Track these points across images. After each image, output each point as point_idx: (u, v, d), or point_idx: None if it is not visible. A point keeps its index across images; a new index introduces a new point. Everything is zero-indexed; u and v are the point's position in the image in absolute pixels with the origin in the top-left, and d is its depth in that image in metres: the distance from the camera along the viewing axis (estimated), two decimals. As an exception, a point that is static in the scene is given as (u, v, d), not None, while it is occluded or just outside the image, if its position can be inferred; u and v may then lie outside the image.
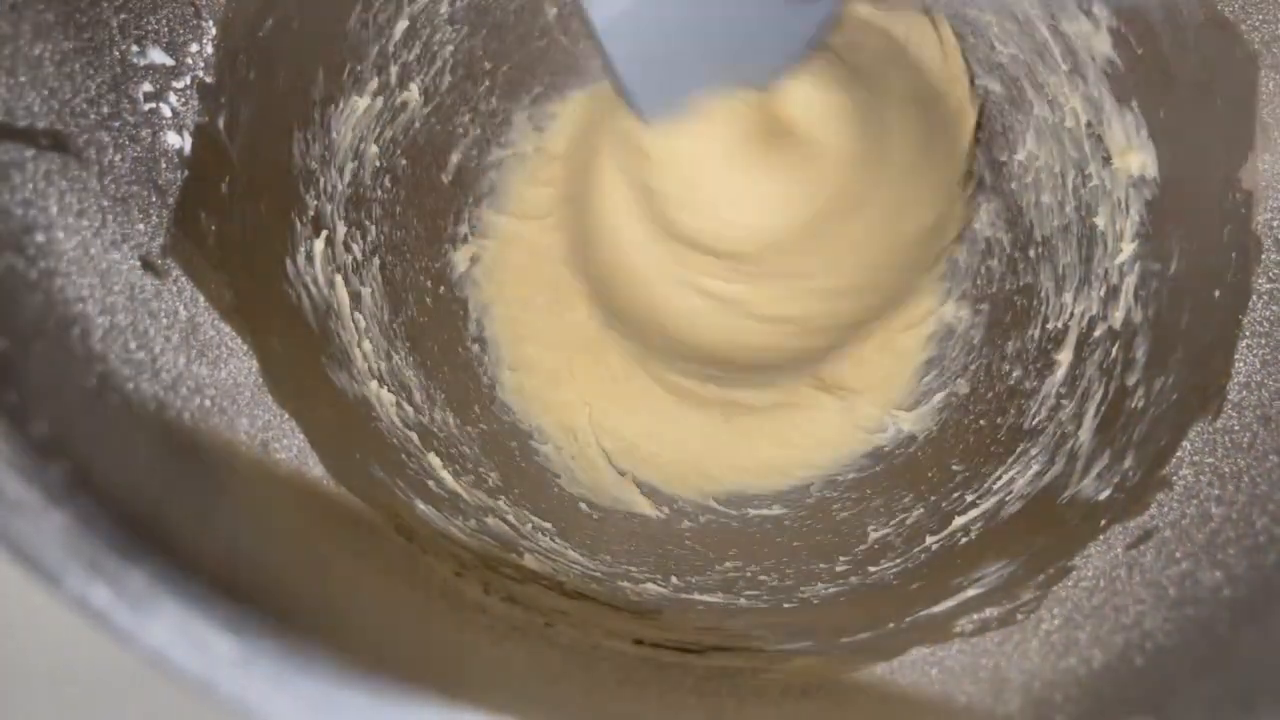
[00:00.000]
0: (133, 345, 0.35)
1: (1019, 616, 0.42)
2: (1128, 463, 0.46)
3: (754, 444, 0.61)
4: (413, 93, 0.56)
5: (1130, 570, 0.41)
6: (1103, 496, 0.46)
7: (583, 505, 0.58)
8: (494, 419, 0.59)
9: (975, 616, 0.43)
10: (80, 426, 0.28)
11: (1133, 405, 0.49)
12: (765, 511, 0.59)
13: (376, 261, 0.56)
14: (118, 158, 0.39)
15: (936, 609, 0.45)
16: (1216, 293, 0.47)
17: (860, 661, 0.42)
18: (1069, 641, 0.38)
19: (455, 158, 0.60)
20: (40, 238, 0.33)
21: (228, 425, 0.38)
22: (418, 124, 0.58)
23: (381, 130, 0.55)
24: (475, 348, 0.60)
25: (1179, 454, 0.44)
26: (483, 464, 0.55)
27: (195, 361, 0.38)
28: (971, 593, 0.46)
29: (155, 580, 0.21)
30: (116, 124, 0.39)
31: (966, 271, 0.62)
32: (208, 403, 0.38)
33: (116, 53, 0.39)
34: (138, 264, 0.38)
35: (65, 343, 0.31)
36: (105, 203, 0.37)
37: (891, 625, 0.45)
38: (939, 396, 0.60)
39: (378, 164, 0.56)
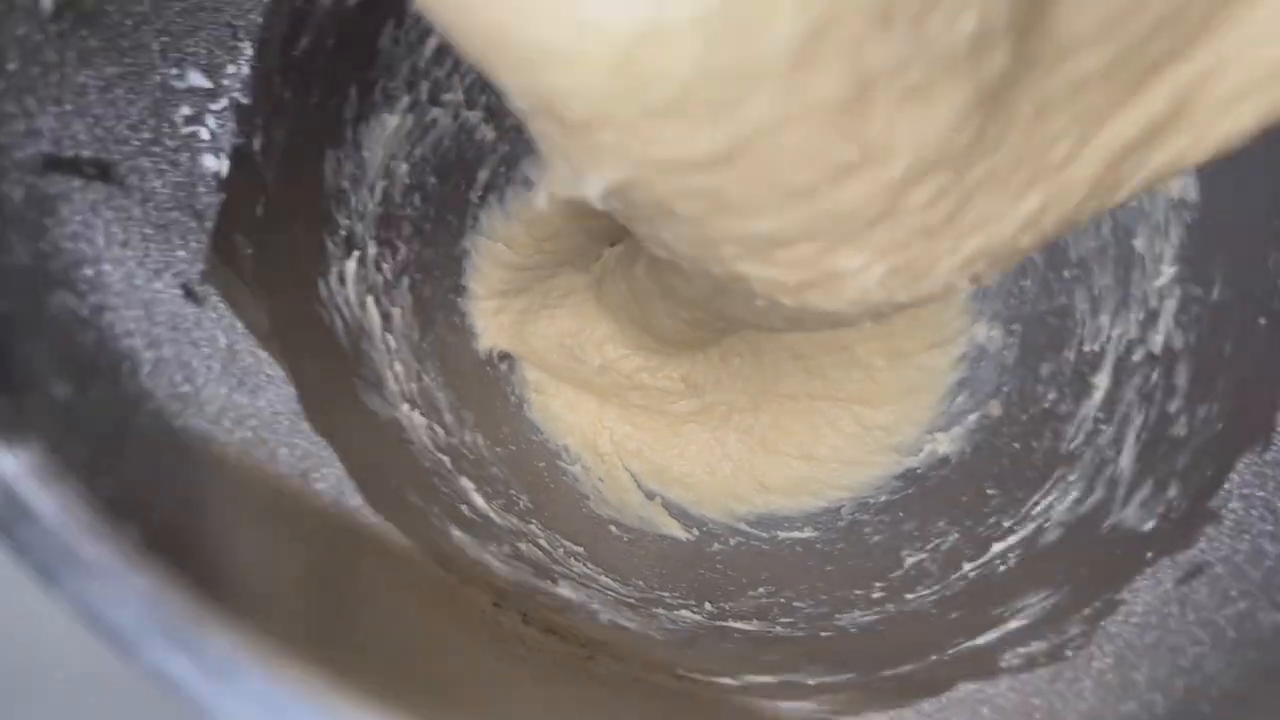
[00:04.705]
0: (178, 378, 0.34)
1: (1068, 653, 0.41)
2: (1172, 492, 0.46)
3: (783, 463, 0.61)
4: (443, 109, 0.56)
5: (1183, 607, 0.40)
6: (1147, 527, 0.46)
7: (612, 527, 0.57)
8: (522, 439, 0.59)
9: (1021, 650, 0.43)
10: (144, 477, 0.27)
11: (1175, 433, 0.48)
12: (796, 534, 0.58)
13: (406, 280, 0.55)
14: (158, 184, 0.38)
15: (980, 641, 0.45)
16: (1262, 320, 0.46)
17: (906, 697, 0.42)
18: (1125, 683, 0.37)
19: (484, 174, 0.59)
20: (89, 271, 0.32)
21: (269, 456, 0.38)
22: (447, 141, 0.57)
23: (412, 148, 0.55)
24: (503, 366, 0.60)
25: (1227, 486, 0.43)
26: (513, 486, 0.55)
27: (236, 391, 0.38)
28: (1014, 624, 0.45)
29: (235, 649, 0.20)
30: (157, 149, 0.38)
31: (998, 291, 0.61)
32: (250, 434, 0.37)
33: (157, 77, 0.38)
34: (179, 292, 0.37)
35: (117, 382, 0.30)
36: (148, 230, 0.36)
37: (934, 658, 0.44)
38: (971, 418, 0.60)
39: (408, 181, 0.55)
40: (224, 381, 0.37)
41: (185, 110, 0.40)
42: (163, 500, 0.26)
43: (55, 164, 0.32)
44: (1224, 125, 0.32)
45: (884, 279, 0.32)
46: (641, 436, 0.60)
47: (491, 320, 0.59)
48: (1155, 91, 0.30)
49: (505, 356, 0.60)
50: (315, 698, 0.22)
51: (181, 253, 0.38)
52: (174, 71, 0.39)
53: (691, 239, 0.31)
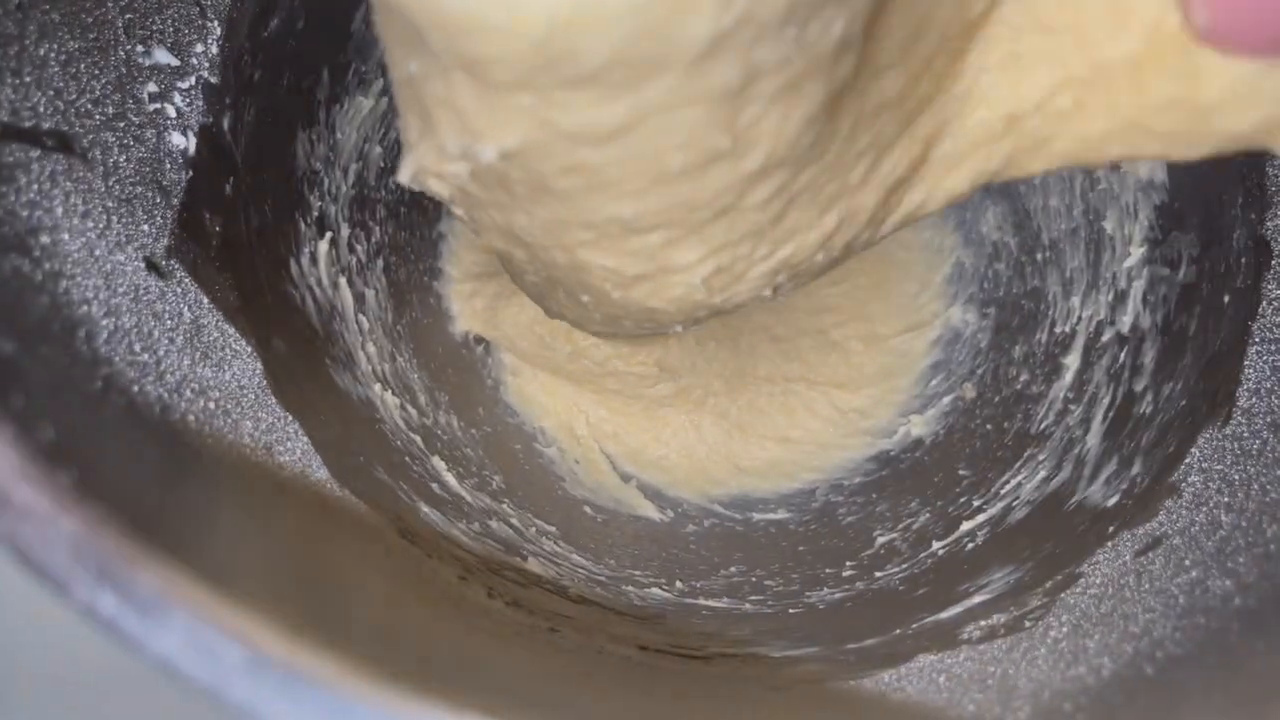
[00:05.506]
0: (137, 348, 0.35)
1: (1027, 624, 0.42)
2: (1136, 469, 0.46)
3: (758, 446, 0.61)
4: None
5: (1139, 578, 0.40)
6: (1111, 503, 0.46)
7: (586, 508, 0.57)
8: (498, 421, 0.59)
9: (983, 623, 0.43)
10: (87, 431, 0.27)
11: (1141, 411, 0.49)
12: (770, 516, 0.58)
13: (380, 263, 0.55)
14: (122, 158, 0.38)
15: (943, 615, 0.45)
16: (1226, 298, 0.46)
17: (867, 668, 0.42)
18: (1077, 650, 0.38)
19: (460, 159, 0.59)
20: (45, 239, 0.32)
21: (232, 428, 0.38)
22: (422, 124, 0.57)
23: (386, 131, 0.55)
24: (480, 349, 0.60)
25: (1188, 461, 0.44)
26: (486, 467, 0.55)
27: (200, 364, 0.38)
28: (978, 599, 0.45)
29: (164, 587, 0.21)
30: (121, 124, 0.39)
31: (973, 275, 0.62)
32: (212, 405, 0.38)
33: (122, 53, 0.39)
34: (142, 265, 0.37)
35: (70, 345, 0.31)
36: (110, 204, 0.37)
37: (898, 631, 0.45)
38: (945, 400, 0.60)
39: (382, 164, 0.56)
40: (187, 354, 0.38)
41: (151, 87, 0.41)
42: (104, 452, 0.27)
43: (13, 133, 0.32)
44: (947, 184, 0.34)
45: (708, 278, 0.34)
46: (618, 420, 0.61)
47: (466, 304, 0.59)
48: (917, 130, 0.32)
49: (481, 339, 0.60)
50: (251, 638, 0.22)
51: (146, 227, 0.39)
52: (139, 48, 0.40)
53: (548, 222, 0.33)
